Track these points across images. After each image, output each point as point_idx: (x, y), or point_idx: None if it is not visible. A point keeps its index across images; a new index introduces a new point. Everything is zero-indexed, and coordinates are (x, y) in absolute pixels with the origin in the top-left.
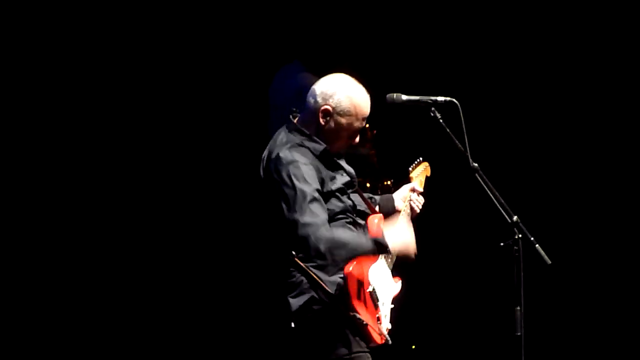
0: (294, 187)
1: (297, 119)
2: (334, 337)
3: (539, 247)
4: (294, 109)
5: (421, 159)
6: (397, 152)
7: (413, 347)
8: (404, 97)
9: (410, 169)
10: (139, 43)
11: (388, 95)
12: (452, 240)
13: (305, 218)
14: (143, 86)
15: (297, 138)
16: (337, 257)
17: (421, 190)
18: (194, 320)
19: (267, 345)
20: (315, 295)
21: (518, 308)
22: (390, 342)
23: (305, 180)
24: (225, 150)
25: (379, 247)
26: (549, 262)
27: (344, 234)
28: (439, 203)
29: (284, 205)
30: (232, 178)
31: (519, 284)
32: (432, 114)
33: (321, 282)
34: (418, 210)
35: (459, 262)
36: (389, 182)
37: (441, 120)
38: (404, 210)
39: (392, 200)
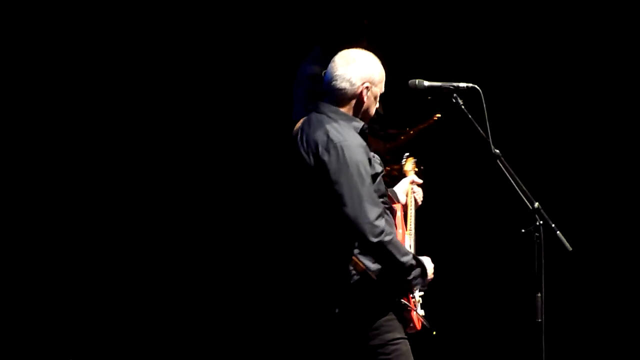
0: (359, 175)
1: (323, 100)
2: (379, 322)
3: (560, 234)
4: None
5: (408, 154)
6: (422, 140)
7: (434, 333)
8: (426, 83)
9: (402, 162)
10: (141, 40)
11: (410, 81)
12: (474, 227)
13: (367, 206)
14: (144, 84)
15: (341, 117)
16: (393, 255)
17: (420, 181)
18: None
19: (304, 333)
20: (361, 281)
21: (539, 294)
22: (428, 327)
23: (365, 169)
24: (226, 149)
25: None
26: (570, 248)
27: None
28: (461, 190)
29: (344, 192)
30: (233, 175)
31: (540, 271)
32: (454, 100)
33: (367, 269)
34: (420, 202)
35: (481, 248)
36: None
37: (463, 107)
38: (410, 204)
39: (395, 193)
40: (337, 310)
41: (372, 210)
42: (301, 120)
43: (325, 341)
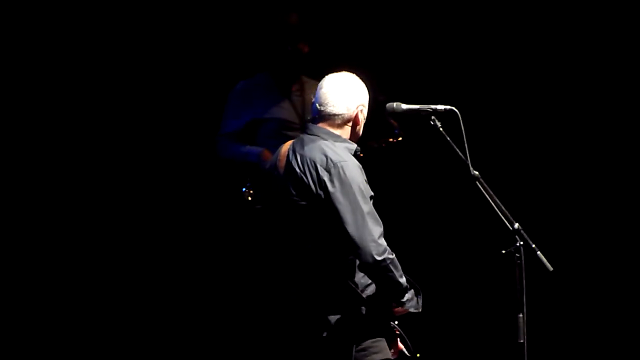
0: (361, 193)
1: (316, 123)
2: (367, 343)
3: (541, 254)
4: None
5: None
6: (400, 160)
7: (418, 355)
8: (404, 106)
9: None
10: (139, 42)
11: (388, 105)
12: (454, 248)
13: (371, 224)
14: (144, 84)
15: (335, 139)
16: (393, 274)
17: None
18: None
19: (292, 349)
20: (353, 300)
21: (520, 315)
22: (411, 353)
23: (365, 188)
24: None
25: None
26: (551, 269)
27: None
28: (441, 211)
29: (347, 211)
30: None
31: (521, 291)
32: (432, 123)
33: (359, 289)
34: None
35: (461, 269)
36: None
37: (441, 129)
38: None
39: None
40: (324, 334)
41: (375, 229)
42: (288, 143)
43: (313, 357)
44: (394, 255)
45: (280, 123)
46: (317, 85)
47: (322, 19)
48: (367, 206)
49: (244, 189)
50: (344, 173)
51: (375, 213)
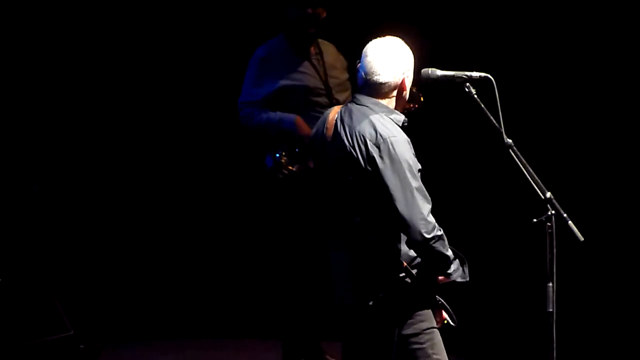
0: (410, 170)
1: (361, 93)
2: (415, 312)
3: (572, 224)
4: None
5: None
6: (433, 127)
7: (446, 321)
8: (439, 72)
9: None
10: (137, 40)
11: (423, 71)
12: (486, 217)
13: (420, 202)
14: (144, 84)
15: (383, 110)
16: (441, 249)
17: None
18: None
19: (341, 319)
20: (402, 275)
21: (550, 284)
22: (455, 324)
23: (414, 164)
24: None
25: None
26: (582, 239)
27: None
28: (473, 178)
29: (396, 188)
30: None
31: (552, 261)
32: (466, 90)
33: (407, 263)
34: None
35: (492, 238)
36: None
37: (476, 96)
38: None
39: None
40: (371, 303)
41: (425, 206)
42: (335, 110)
43: (360, 328)
44: (442, 230)
45: (308, 89)
46: (331, 47)
47: None
48: (416, 182)
49: (277, 155)
50: (394, 149)
51: (424, 189)
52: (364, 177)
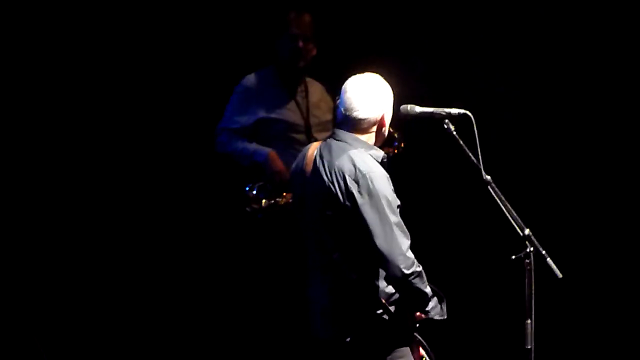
0: (389, 206)
1: (340, 128)
2: (395, 348)
3: (551, 261)
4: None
5: None
6: (412, 163)
7: (423, 359)
8: (418, 108)
9: None
10: (139, 36)
11: (402, 107)
12: (464, 253)
13: (399, 237)
14: (144, 78)
15: (362, 146)
16: (420, 286)
17: None
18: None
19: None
20: (384, 314)
21: (529, 321)
22: None
23: (393, 200)
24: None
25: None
26: (560, 275)
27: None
28: (452, 215)
29: (376, 224)
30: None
31: (530, 297)
32: (445, 126)
33: (386, 299)
34: None
35: (470, 274)
36: None
37: (455, 133)
38: None
39: None
40: (348, 340)
41: (404, 242)
42: (314, 146)
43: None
44: (421, 267)
45: (287, 125)
46: (319, 87)
47: (327, 23)
48: (395, 218)
49: (247, 189)
50: (373, 184)
51: (403, 224)
52: (343, 212)
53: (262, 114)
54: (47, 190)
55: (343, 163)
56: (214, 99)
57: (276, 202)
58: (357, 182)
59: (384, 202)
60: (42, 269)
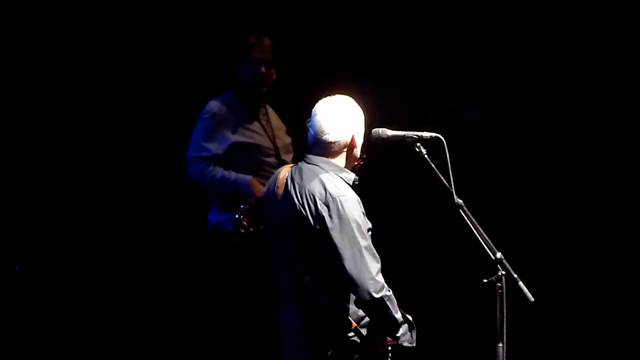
0: (359, 229)
1: (310, 152)
2: None
3: (522, 285)
4: None
5: None
6: (382, 186)
7: None
8: (389, 132)
9: None
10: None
11: (373, 130)
12: (436, 276)
13: (368, 261)
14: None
15: (333, 169)
16: (390, 311)
17: None
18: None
19: None
20: (356, 338)
21: (500, 345)
22: None
23: (363, 224)
24: None
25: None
26: (532, 299)
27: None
28: (423, 238)
29: (345, 247)
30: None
31: (502, 321)
32: (417, 150)
33: (356, 324)
34: None
35: (442, 297)
36: None
37: (426, 156)
38: None
39: None
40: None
41: (373, 265)
42: (285, 169)
43: None
44: (391, 291)
45: (259, 149)
46: (272, 110)
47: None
48: (365, 241)
49: (236, 216)
50: (343, 208)
51: (373, 248)
52: (313, 235)
53: (234, 138)
54: (42, 190)
55: (314, 186)
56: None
57: (260, 228)
58: (327, 205)
59: (353, 225)
60: (40, 269)
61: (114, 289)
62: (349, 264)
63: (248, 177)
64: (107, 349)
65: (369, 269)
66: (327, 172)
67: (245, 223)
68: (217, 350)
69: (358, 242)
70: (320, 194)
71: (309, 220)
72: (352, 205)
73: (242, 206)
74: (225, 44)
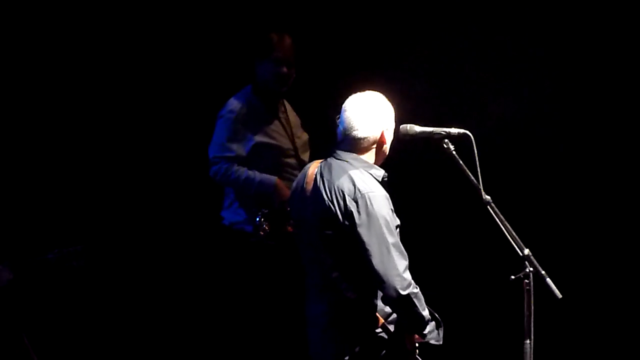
0: (387, 226)
1: (340, 148)
2: None
3: (550, 281)
4: None
5: None
6: (410, 183)
7: None
8: (417, 128)
9: None
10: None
11: (402, 126)
12: (463, 273)
13: (396, 258)
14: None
15: (362, 165)
16: (417, 308)
17: None
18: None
19: None
20: (383, 335)
21: (528, 341)
22: None
23: (391, 221)
24: None
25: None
26: (560, 296)
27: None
28: (451, 235)
29: (373, 244)
30: None
31: (529, 318)
32: (445, 146)
33: (384, 320)
34: None
35: (469, 294)
36: None
37: (454, 152)
38: None
39: None
40: (347, 358)
41: (401, 263)
42: (314, 165)
43: None
44: (418, 288)
45: (280, 149)
46: (289, 106)
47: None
48: (392, 238)
49: (257, 219)
50: (372, 205)
51: (401, 245)
52: (342, 231)
53: (256, 139)
54: (43, 189)
55: (343, 183)
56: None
57: (286, 229)
58: (356, 201)
59: (382, 222)
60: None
61: (127, 286)
62: (376, 261)
63: (273, 178)
64: (120, 346)
65: (396, 266)
66: (357, 168)
67: (266, 227)
68: (245, 347)
69: (386, 239)
70: (349, 190)
71: (337, 216)
72: (381, 202)
73: (263, 210)
74: (245, 39)
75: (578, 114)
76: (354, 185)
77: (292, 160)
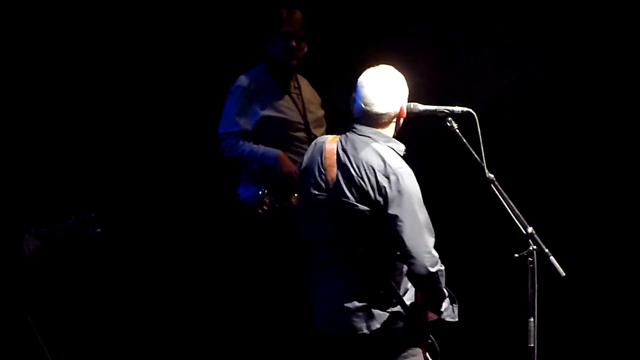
0: (419, 203)
1: (359, 123)
2: (407, 349)
3: (554, 259)
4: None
5: None
6: (415, 161)
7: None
8: (421, 106)
9: None
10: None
11: (405, 105)
12: (467, 251)
13: (426, 235)
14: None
15: (383, 139)
16: (441, 285)
17: None
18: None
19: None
20: (401, 310)
21: (531, 319)
22: None
23: (421, 197)
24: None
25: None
26: (563, 274)
27: None
28: (454, 213)
29: (404, 220)
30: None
31: (533, 295)
32: (448, 124)
33: (401, 295)
34: None
35: (473, 272)
36: None
37: (458, 131)
38: None
39: None
40: (366, 331)
41: (430, 240)
42: (331, 140)
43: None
44: (444, 267)
45: (287, 123)
46: (307, 83)
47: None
48: (423, 215)
49: (259, 193)
50: (404, 181)
51: (430, 222)
52: (372, 207)
53: (263, 113)
54: (44, 189)
55: (371, 158)
56: (204, 98)
57: (290, 202)
58: (387, 177)
59: (414, 199)
60: (39, 268)
61: (144, 264)
62: (407, 237)
63: (276, 151)
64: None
65: (426, 243)
66: (378, 142)
67: (267, 200)
68: (247, 327)
69: (417, 216)
70: (379, 166)
71: (368, 192)
72: (411, 178)
73: (263, 189)
74: (257, 17)
75: (585, 93)
76: (384, 161)
77: (301, 134)
